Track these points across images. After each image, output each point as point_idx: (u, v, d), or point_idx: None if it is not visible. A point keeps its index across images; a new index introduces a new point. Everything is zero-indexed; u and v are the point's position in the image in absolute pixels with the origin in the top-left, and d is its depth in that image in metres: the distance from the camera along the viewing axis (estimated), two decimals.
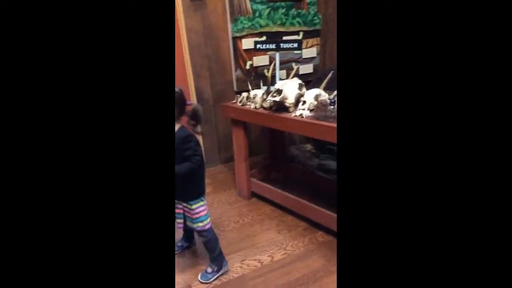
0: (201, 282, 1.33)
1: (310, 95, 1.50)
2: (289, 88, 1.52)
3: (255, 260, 1.44)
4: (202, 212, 1.28)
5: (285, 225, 1.69)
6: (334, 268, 1.36)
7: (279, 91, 1.51)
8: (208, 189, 2.11)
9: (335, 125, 1.31)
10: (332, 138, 1.33)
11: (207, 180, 2.29)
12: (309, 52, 2.16)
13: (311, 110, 1.47)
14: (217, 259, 1.36)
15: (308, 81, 2.13)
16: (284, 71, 2.10)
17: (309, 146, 2.35)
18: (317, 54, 2.20)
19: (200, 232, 1.31)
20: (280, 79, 1.81)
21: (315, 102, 1.47)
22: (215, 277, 1.35)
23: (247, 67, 2.08)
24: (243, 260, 1.45)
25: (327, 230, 1.58)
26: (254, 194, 1.94)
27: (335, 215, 1.49)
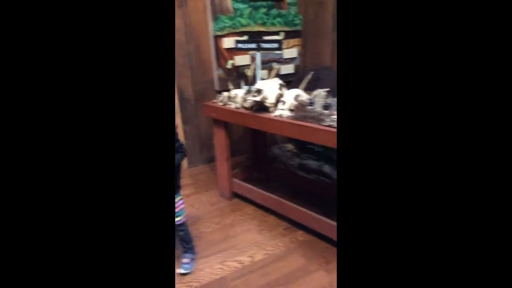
0: (184, 274, 1.36)
1: (290, 95, 1.51)
2: (270, 88, 1.52)
3: (235, 261, 1.44)
4: (181, 205, 1.33)
5: (266, 225, 1.69)
6: (313, 267, 1.38)
7: (259, 91, 1.51)
8: (189, 190, 2.09)
9: (313, 125, 1.32)
10: (311, 138, 1.34)
11: (189, 181, 2.28)
12: (290, 52, 2.18)
13: (291, 110, 1.47)
14: (192, 248, 1.42)
15: (289, 82, 2.14)
16: (265, 71, 2.10)
17: (290, 146, 2.37)
18: (298, 54, 2.21)
19: (180, 226, 1.34)
20: (261, 79, 1.80)
21: (295, 103, 1.48)
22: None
23: (229, 66, 2.07)
24: (224, 261, 1.44)
25: (307, 230, 1.60)
26: (236, 195, 1.94)
27: (315, 215, 1.50)
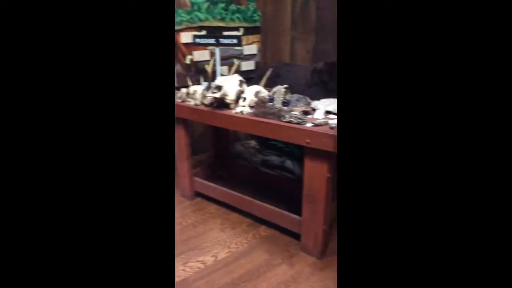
0: None
1: (250, 92, 1.50)
2: (230, 84, 1.50)
3: (198, 261, 1.41)
4: None
5: (229, 223, 1.68)
6: (277, 262, 1.40)
7: (219, 87, 1.48)
8: None
9: (273, 121, 1.33)
10: (271, 134, 1.35)
11: None
12: (250, 48, 2.17)
13: (251, 107, 1.47)
14: None
15: (250, 78, 2.14)
16: (226, 67, 2.07)
17: (253, 142, 2.37)
18: (258, 51, 2.22)
19: None
20: (222, 75, 1.78)
21: (255, 99, 1.47)
22: None
23: (187, 61, 2.00)
24: (186, 263, 1.40)
25: (270, 225, 1.61)
26: (198, 194, 1.89)
27: (277, 210, 1.52)
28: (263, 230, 1.61)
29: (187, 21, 1.92)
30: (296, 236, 1.49)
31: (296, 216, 1.45)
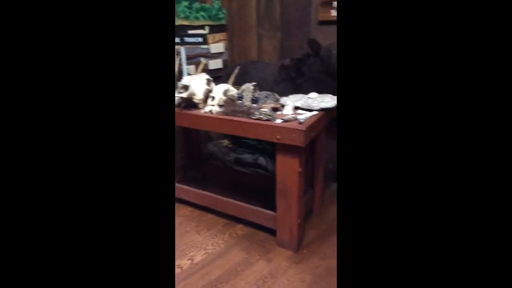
0: None
1: (218, 91, 1.49)
2: (197, 83, 1.47)
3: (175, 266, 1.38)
4: None
5: (205, 224, 1.65)
6: (254, 259, 1.40)
7: (185, 87, 1.45)
8: None
9: (243, 119, 1.33)
10: (242, 132, 1.34)
11: None
12: (217, 47, 2.15)
13: (220, 106, 1.45)
14: None
15: (218, 76, 2.12)
16: (193, 66, 2.03)
17: (226, 142, 2.36)
18: (225, 49, 2.20)
19: None
20: (189, 74, 1.74)
21: (224, 97, 1.46)
22: None
23: None
24: None
25: (246, 223, 1.61)
26: None
27: (252, 207, 1.53)
28: (239, 229, 1.61)
29: None
30: (272, 232, 1.51)
31: (271, 212, 1.47)
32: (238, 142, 2.25)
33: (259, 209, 1.51)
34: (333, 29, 1.79)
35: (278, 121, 1.28)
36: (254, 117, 1.32)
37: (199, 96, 1.46)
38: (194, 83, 1.46)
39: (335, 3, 1.71)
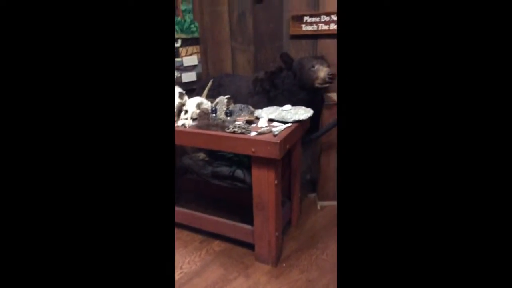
0: None
1: (192, 104, 1.46)
2: None
3: None
4: None
5: (181, 242, 1.59)
6: (232, 276, 1.36)
7: None
8: None
9: (218, 133, 1.31)
10: (216, 146, 1.33)
11: None
12: (190, 60, 2.13)
13: (194, 119, 1.43)
14: None
15: (192, 89, 2.09)
16: None
17: (202, 155, 2.31)
18: (199, 62, 2.19)
19: None
20: None
21: (198, 111, 1.44)
22: None
23: None
24: None
25: (223, 238, 1.57)
26: None
27: (230, 222, 1.49)
28: (216, 245, 1.56)
29: None
30: (251, 247, 1.48)
31: (248, 226, 1.44)
32: (215, 155, 2.22)
33: (236, 223, 1.48)
34: (305, 43, 1.84)
35: (253, 134, 1.27)
36: (228, 130, 1.30)
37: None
38: None
39: (306, 18, 1.76)
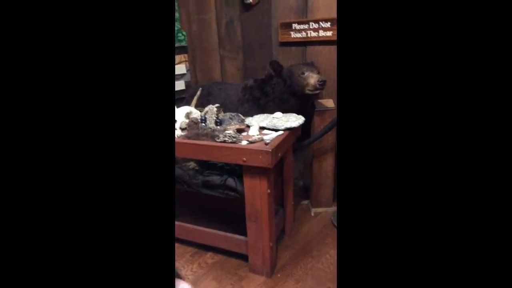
0: None
1: (180, 114, 1.44)
2: None
3: None
4: None
5: None
6: None
7: None
8: None
9: (208, 143, 1.28)
10: (206, 156, 1.30)
11: None
12: (179, 68, 2.10)
13: (183, 129, 1.40)
14: None
15: (181, 98, 2.06)
16: None
17: (192, 164, 2.27)
18: (187, 70, 2.16)
19: None
20: None
21: (187, 120, 1.41)
22: None
23: None
24: None
25: (216, 250, 1.53)
26: None
27: (222, 233, 1.46)
28: (209, 257, 1.52)
29: None
30: (245, 258, 1.44)
31: (241, 237, 1.41)
32: (205, 163, 2.18)
33: (229, 234, 1.44)
34: (294, 50, 1.84)
35: (244, 142, 1.25)
36: (218, 140, 1.28)
37: None
38: None
39: (294, 25, 1.77)
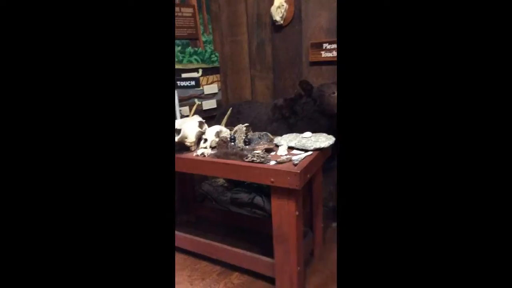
0: None
1: (211, 133, 1.47)
2: (189, 126, 1.46)
3: None
4: None
5: (198, 274, 1.54)
6: None
7: (177, 131, 1.44)
8: None
9: (236, 162, 1.29)
10: (234, 175, 1.30)
11: None
12: (211, 88, 2.18)
13: (212, 148, 1.43)
14: None
15: (213, 116, 2.12)
16: (187, 108, 2.04)
17: (221, 180, 2.30)
18: (219, 90, 2.23)
19: None
20: (182, 115, 1.74)
21: (217, 139, 1.44)
22: None
23: None
24: None
25: (243, 271, 1.51)
26: None
27: (248, 254, 1.43)
28: (235, 278, 1.50)
29: None
30: (272, 281, 1.40)
31: (268, 259, 1.37)
32: (234, 180, 2.20)
33: (256, 255, 1.42)
34: (324, 69, 1.83)
35: (272, 162, 1.24)
36: (247, 160, 1.28)
37: (191, 139, 1.44)
38: (186, 126, 1.45)
39: (325, 45, 1.77)
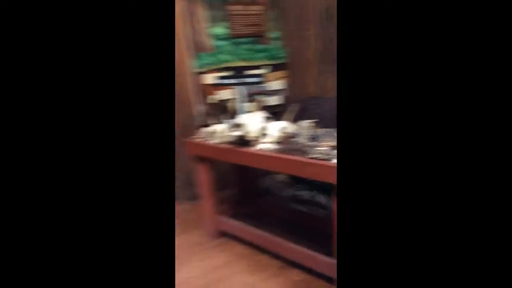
0: None
1: (274, 128, 1.47)
2: (252, 121, 1.49)
3: None
4: None
5: (258, 266, 1.58)
6: None
7: (240, 125, 1.48)
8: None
9: (298, 158, 1.27)
10: (296, 172, 1.29)
11: None
12: (277, 84, 2.19)
13: (276, 143, 1.43)
14: None
15: (278, 112, 2.13)
16: (253, 104, 2.09)
17: (282, 176, 2.30)
18: (285, 86, 2.22)
19: None
20: (247, 111, 1.78)
21: (280, 135, 1.44)
22: None
23: (211, 101, 2.06)
24: None
25: (303, 268, 1.48)
26: (223, 233, 1.83)
27: (310, 252, 1.41)
28: (296, 274, 1.49)
29: (211, 63, 2.00)
30: (332, 281, 1.35)
31: (329, 259, 1.33)
32: (296, 177, 2.18)
33: (317, 254, 1.38)
34: None
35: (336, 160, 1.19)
36: (309, 156, 1.25)
37: (253, 133, 1.46)
38: (250, 121, 1.48)
39: None
